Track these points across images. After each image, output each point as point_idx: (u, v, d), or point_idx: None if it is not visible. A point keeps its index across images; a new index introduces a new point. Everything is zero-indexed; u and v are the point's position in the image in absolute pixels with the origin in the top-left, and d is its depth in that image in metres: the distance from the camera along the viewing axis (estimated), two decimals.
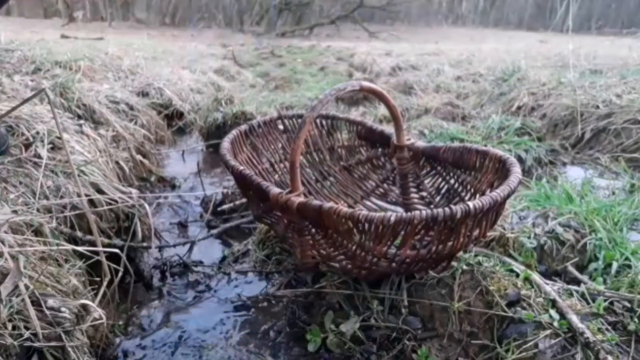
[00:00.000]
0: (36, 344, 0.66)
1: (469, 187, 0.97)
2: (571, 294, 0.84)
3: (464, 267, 0.85)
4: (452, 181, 1.03)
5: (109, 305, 0.95)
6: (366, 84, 0.88)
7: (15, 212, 0.89)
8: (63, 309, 0.73)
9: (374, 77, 4.44)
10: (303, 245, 0.83)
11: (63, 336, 0.69)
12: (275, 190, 0.78)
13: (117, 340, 0.90)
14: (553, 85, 2.65)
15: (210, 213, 1.45)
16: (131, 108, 2.15)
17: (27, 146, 1.16)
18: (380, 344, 0.84)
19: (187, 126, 2.59)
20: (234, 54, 5.60)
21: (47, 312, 0.70)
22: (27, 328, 0.66)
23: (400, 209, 1.11)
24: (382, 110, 2.57)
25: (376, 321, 0.85)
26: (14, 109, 0.93)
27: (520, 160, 1.83)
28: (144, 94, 2.56)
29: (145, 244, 1.13)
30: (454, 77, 3.72)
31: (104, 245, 0.92)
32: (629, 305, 0.79)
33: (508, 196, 0.72)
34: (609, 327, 0.75)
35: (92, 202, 1.08)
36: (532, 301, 0.79)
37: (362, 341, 0.84)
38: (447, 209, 0.66)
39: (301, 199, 0.75)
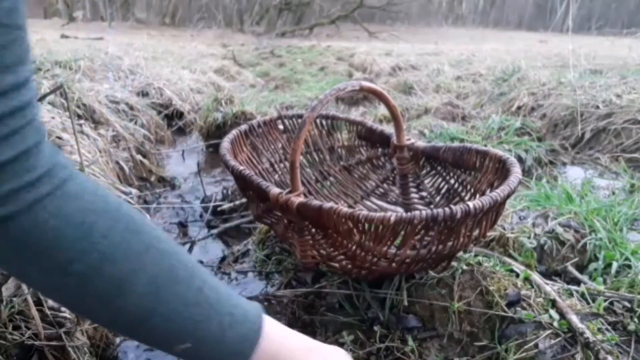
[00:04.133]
0: (37, 343, 0.66)
1: (469, 187, 0.97)
2: (571, 294, 0.84)
3: (464, 267, 0.85)
4: (452, 181, 1.03)
5: None
6: (366, 84, 0.88)
7: None
8: (63, 308, 0.73)
9: (374, 77, 4.45)
10: (303, 245, 0.83)
11: (63, 336, 0.69)
12: (275, 190, 0.78)
13: (117, 340, 0.90)
14: (553, 85, 2.65)
15: (210, 213, 1.45)
16: (131, 108, 2.15)
17: None
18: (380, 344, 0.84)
19: (187, 126, 2.59)
20: (234, 54, 5.60)
21: (48, 312, 0.70)
22: (28, 328, 0.66)
23: (400, 209, 1.11)
24: (382, 110, 2.57)
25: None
26: None
27: (520, 160, 1.83)
28: (144, 94, 2.56)
29: None
30: (454, 77, 3.72)
31: None
32: (629, 305, 0.79)
33: (508, 196, 0.72)
34: (609, 327, 0.75)
35: None
36: (532, 301, 0.79)
37: (362, 341, 0.84)
38: (447, 209, 0.66)
39: (301, 199, 0.75)
